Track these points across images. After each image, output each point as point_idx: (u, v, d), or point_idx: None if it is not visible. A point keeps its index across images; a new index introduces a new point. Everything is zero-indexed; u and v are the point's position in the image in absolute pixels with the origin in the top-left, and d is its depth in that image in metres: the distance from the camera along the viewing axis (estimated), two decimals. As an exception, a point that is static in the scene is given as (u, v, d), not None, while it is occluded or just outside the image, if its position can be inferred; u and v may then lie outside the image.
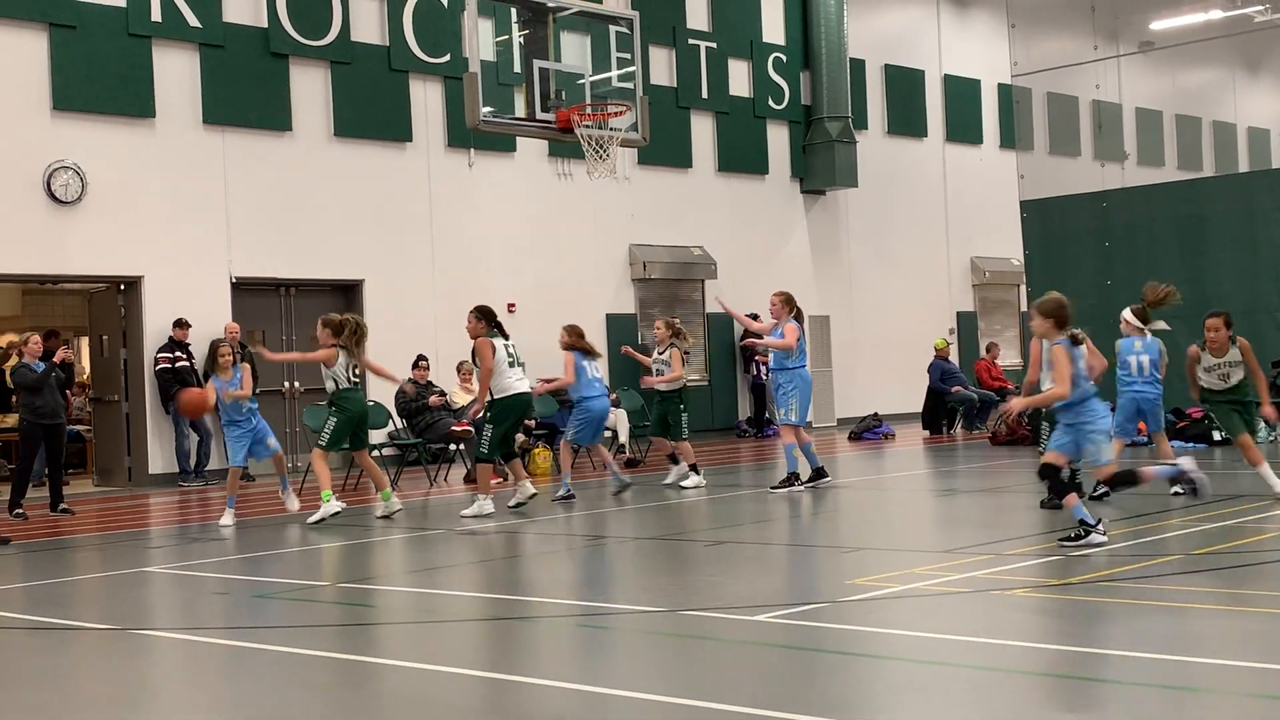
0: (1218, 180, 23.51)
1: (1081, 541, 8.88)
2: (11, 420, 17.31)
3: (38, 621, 8.23)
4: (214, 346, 13.96)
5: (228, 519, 12.89)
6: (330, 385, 12.87)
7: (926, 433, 23.21)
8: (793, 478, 13.84)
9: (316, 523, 12.30)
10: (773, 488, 13.93)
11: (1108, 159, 23.62)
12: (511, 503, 13.14)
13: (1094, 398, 9.17)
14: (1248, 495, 11.20)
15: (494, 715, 5.61)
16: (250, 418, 13.16)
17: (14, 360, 15.11)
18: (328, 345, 12.76)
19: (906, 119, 28.46)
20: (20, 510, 14.03)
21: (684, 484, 14.61)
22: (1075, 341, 9.13)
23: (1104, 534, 8.92)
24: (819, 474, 14.10)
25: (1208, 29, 25.49)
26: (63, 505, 14.42)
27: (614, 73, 16.40)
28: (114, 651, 7.42)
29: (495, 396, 12.90)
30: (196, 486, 17.36)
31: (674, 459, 15.18)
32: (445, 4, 20.85)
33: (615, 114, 15.73)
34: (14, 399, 14.73)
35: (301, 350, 15.99)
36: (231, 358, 13.52)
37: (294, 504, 13.30)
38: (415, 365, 17.81)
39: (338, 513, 12.46)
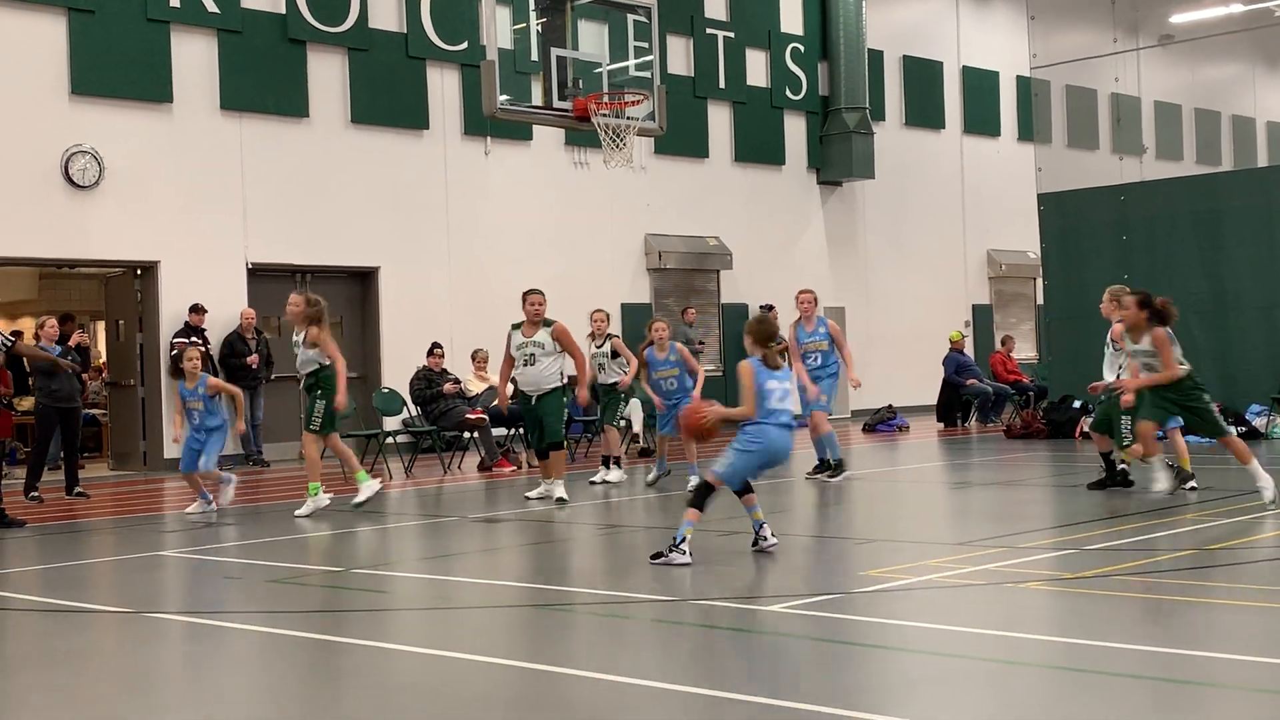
0: (1236, 175, 23.40)
1: (664, 559, 8.62)
2: (28, 403, 17.38)
3: (52, 604, 8.27)
4: (180, 352, 13.14)
5: (196, 507, 12.76)
6: (314, 365, 12.48)
7: (941, 425, 23.19)
8: (839, 464, 13.94)
9: (306, 515, 12.08)
10: (825, 476, 13.93)
11: (1126, 153, 23.56)
12: (532, 493, 13.04)
13: (774, 426, 8.75)
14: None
15: (508, 702, 5.62)
16: (212, 429, 12.79)
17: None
18: (311, 323, 12.42)
19: (924, 111, 28.39)
20: (36, 493, 14.10)
21: (600, 479, 14.30)
22: (770, 364, 8.81)
23: (687, 557, 8.57)
24: (824, 466, 14.28)
25: (1228, 22, 25.39)
26: (78, 489, 14.48)
27: (631, 61, 16.38)
28: (128, 635, 7.45)
29: (563, 384, 12.70)
30: (211, 471, 17.40)
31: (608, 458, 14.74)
32: (463, -9, 20.86)
33: (632, 103, 15.71)
34: (30, 382, 14.77)
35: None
36: (198, 363, 12.98)
37: (201, 507, 12.78)
38: (430, 352, 17.82)
39: (326, 506, 12.30)
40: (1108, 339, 12.11)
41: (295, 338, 12.66)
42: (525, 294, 12.80)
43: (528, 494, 13.14)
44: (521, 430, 17.73)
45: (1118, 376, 11.77)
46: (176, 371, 13.04)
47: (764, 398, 8.74)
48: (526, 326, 12.66)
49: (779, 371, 8.87)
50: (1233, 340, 18.44)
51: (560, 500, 12.48)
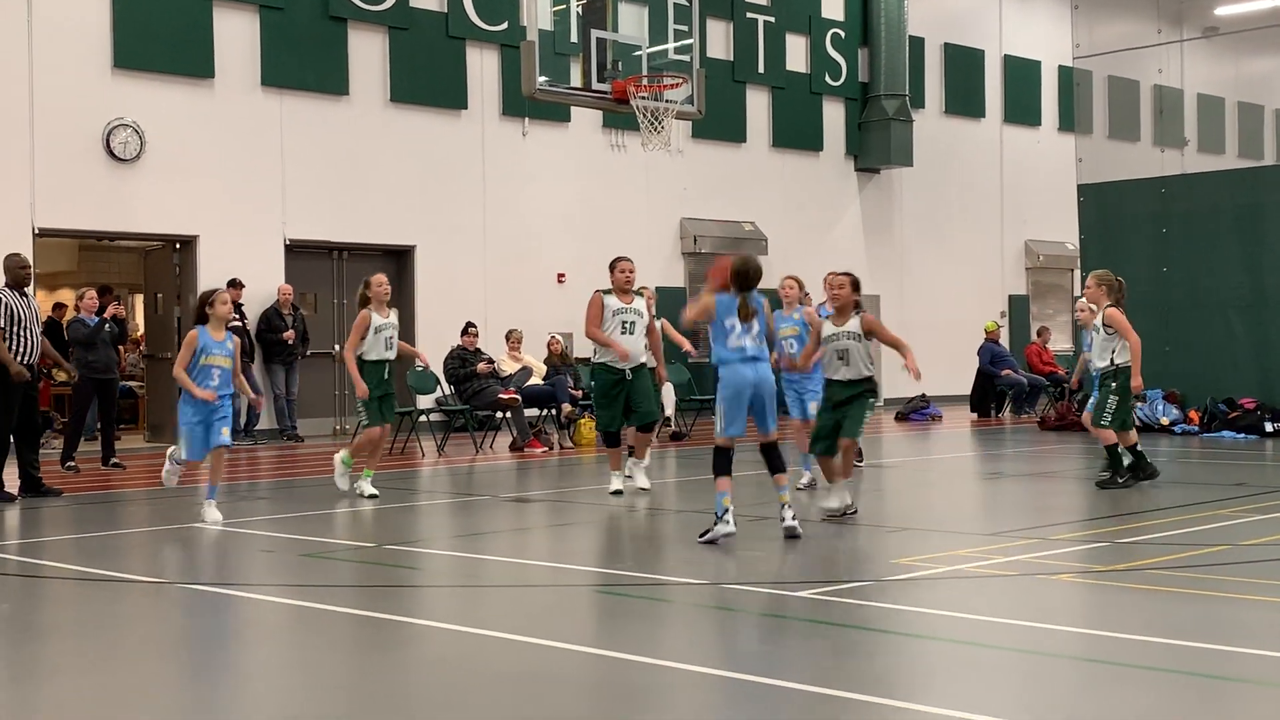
0: (1279, 169, 23.20)
1: (709, 534, 8.73)
2: (65, 374, 17.51)
3: (87, 573, 8.35)
4: (208, 295, 10.62)
5: (213, 513, 10.33)
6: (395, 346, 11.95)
7: (974, 415, 23.11)
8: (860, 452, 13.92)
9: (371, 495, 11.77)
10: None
11: (1167, 145, 23.36)
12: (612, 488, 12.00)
13: (737, 363, 8.91)
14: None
15: (533, 680, 5.64)
16: (224, 396, 10.44)
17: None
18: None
19: (964, 99, 28.24)
20: (72, 463, 14.23)
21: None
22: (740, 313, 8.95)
23: (730, 526, 8.71)
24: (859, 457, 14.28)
25: (1273, 15, 25.18)
26: (114, 460, 14.61)
27: (671, 45, 16.36)
28: (161, 605, 7.52)
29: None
30: (246, 445, 17.50)
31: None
32: (504, -28, 20.85)
33: (671, 86, 15.70)
34: (69, 353, 14.90)
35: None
36: (232, 309, 11.07)
37: (213, 515, 10.31)
38: (464, 332, 17.87)
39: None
40: (1096, 326, 12.21)
41: (385, 320, 11.74)
42: (615, 261, 12.04)
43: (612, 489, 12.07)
44: (554, 411, 17.78)
45: (1111, 362, 11.88)
46: (202, 318, 10.49)
47: (725, 334, 8.95)
48: (620, 294, 11.90)
49: (746, 323, 8.98)
50: (1272, 336, 18.30)
51: (643, 489, 11.81)
